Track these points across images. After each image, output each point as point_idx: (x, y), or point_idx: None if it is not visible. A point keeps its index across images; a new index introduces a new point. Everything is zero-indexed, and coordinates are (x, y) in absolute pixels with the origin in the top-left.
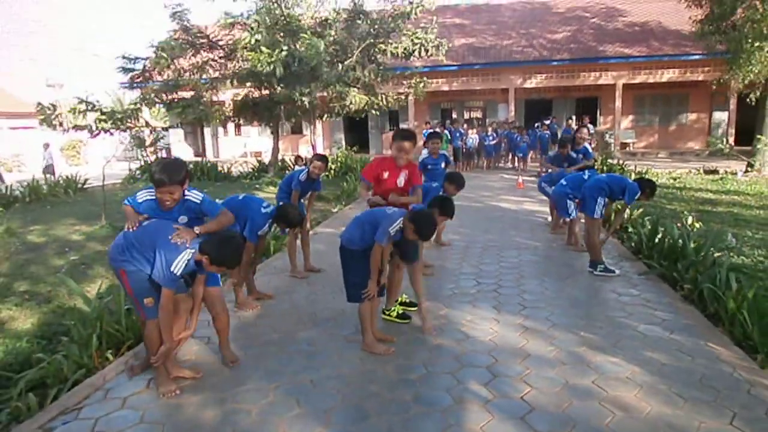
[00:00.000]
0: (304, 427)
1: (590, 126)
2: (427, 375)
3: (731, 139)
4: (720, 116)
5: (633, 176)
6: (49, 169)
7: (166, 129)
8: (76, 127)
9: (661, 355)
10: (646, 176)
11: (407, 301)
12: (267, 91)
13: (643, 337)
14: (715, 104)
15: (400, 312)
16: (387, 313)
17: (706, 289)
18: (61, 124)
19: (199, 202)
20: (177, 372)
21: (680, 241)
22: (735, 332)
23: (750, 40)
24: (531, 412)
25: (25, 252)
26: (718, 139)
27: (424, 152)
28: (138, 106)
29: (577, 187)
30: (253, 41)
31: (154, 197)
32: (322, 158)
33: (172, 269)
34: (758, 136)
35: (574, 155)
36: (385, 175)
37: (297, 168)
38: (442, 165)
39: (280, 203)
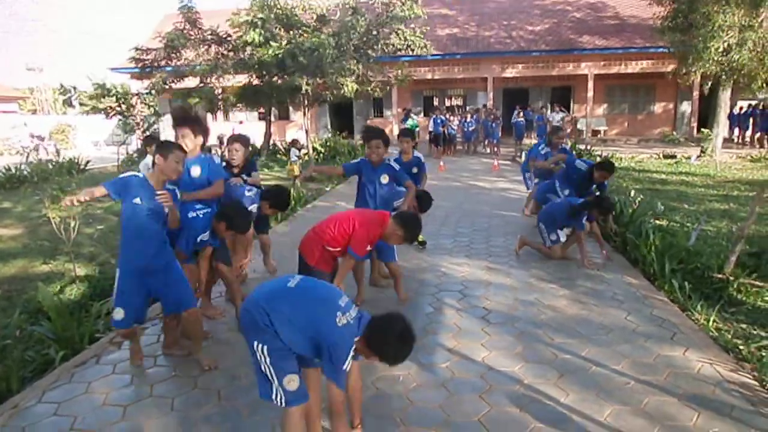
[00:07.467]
0: None
1: (561, 112)
2: (414, 296)
3: (694, 128)
4: (685, 106)
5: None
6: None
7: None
8: (94, 110)
9: (588, 283)
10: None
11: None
12: (271, 79)
13: (578, 273)
14: (680, 95)
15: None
16: None
17: (629, 240)
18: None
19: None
20: (207, 311)
21: (620, 207)
22: (646, 270)
23: (701, 39)
24: (489, 314)
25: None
26: (671, 131)
27: (394, 152)
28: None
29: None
30: (260, 39)
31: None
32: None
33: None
34: (703, 130)
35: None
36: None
37: (293, 150)
38: (414, 170)
39: None
